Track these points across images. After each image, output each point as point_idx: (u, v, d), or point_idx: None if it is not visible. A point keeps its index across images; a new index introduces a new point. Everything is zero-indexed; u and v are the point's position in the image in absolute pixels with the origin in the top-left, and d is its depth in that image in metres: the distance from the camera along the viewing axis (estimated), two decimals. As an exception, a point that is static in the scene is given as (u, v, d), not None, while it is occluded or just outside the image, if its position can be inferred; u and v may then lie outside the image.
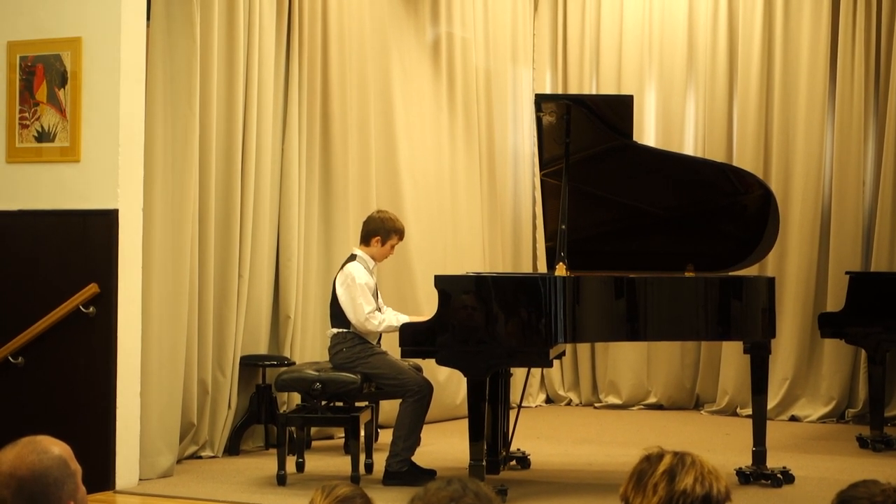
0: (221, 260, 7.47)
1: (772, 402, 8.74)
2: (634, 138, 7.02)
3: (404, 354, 6.44)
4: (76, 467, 2.50)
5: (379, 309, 6.83)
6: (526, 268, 10.21)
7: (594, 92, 10.14)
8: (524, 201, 10.35)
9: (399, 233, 6.95)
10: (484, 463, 6.21)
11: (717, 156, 9.41)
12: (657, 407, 9.86)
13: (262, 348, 7.86)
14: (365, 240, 6.93)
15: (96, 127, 6.52)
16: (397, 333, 6.45)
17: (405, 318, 6.73)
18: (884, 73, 9.18)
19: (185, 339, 7.06)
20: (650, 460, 2.48)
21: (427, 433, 7.03)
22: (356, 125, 8.49)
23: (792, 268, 9.32)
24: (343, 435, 7.62)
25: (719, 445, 8.02)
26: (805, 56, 9.35)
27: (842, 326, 8.02)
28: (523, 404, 8.21)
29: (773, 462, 6.80)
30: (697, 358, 9.83)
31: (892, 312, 7.82)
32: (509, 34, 10.16)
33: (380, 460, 6.83)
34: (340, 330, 6.81)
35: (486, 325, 6.17)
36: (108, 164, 6.48)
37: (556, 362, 8.81)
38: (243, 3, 7.51)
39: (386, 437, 7.21)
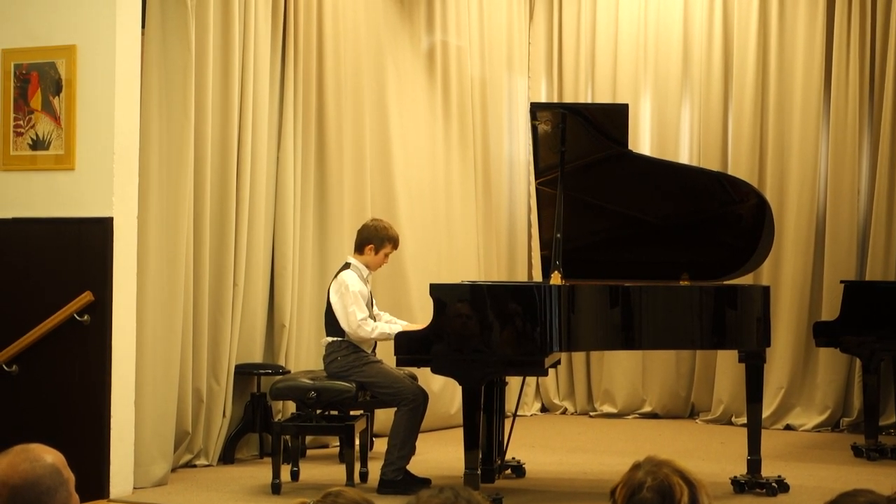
0: (216, 268, 7.46)
1: (767, 411, 8.73)
2: (630, 147, 7.02)
3: (399, 363, 6.43)
4: (69, 475, 2.49)
5: (373, 317, 6.83)
6: (521, 276, 10.21)
7: (589, 100, 10.14)
8: (519, 210, 10.34)
9: (393, 241, 6.95)
10: (479, 472, 6.21)
11: (712, 164, 9.41)
12: (652, 416, 9.85)
13: (256, 357, 7.85)
14: (359, 248, 6.93)
15: (91, 135, 6.51)
16: (392, 342, 6.44)
17: (399, 327, 6.73)
18: (878, 82, 9.18)
19: (180, 347, 7.05)
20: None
21: (422, 442, 7.03)
22: (351, 133, 8.49)
23: (787, 277, 9.32)
24: (338, 444, 7.62)
25: (714, 454, 8.02)
26: (800, 65, 9.37)
27: (836, 335, 8.02)
28: (518, 413, 8.22)
29: (768, 471, 6.80)
30: (692, 367, 9.82)
31: (886, 322, 7.82)
32: (504, 43, 10.16)
33: (375, 469, 6.82)
34: (335, 339, 6.80)
35: (482, 334, 6.16)
36: (103, 172, 6.48)
37: (551, 371, 8.81)
38: (238, 11, 7.51)
39: (381, 445, 7.20)
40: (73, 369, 6.48)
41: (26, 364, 6.55)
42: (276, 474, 6.61)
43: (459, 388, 6.36)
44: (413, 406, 6.65)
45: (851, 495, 2.50)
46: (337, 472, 7.03)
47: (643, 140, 9.92)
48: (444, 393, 8.94)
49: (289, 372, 7.66)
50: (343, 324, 6.72)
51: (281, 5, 7.97)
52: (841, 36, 9.22)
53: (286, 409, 7.76)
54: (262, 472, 7.03)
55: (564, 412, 10.17)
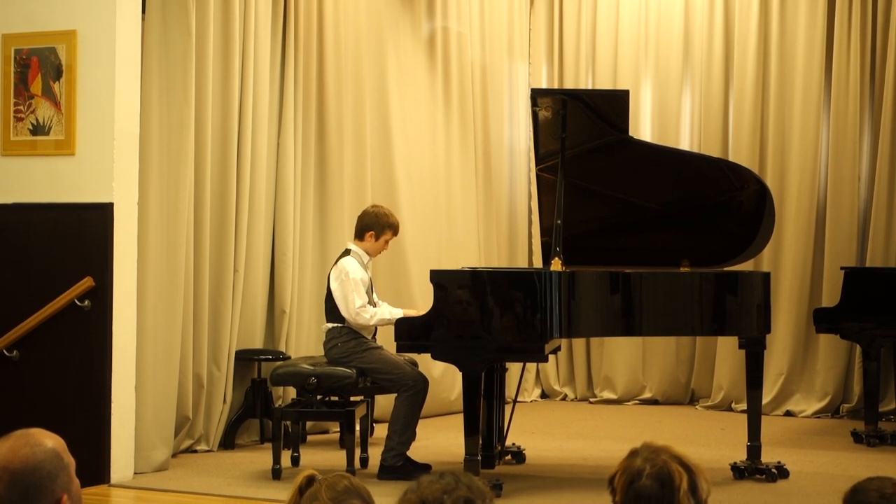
0: (217, 254, 7.46)
1: (767, 397, 8.74)
2: (630, 133, 7.01)
3: (399, 349, 6.44)
4: (69, 460, 2.49)
5: (373, 304, 6.83)
6: (521, 263, 10.21)
7: (590, 87, 10.13)
8: (519, 196, 10.34)
9: (393, 228, 6.95)
10: (479, 458, 6.21)
11: (713, 151, 9.41)
12: (652, 402, 9.86)
13: (257, 343, 7.85)
14: (359, 234, 6.93)
15: (91, 120, 6.51)
16: (392, 328, 6.45)
17: (399, 313, 6.73)
18: (879, 67, 9.17)
19: (181, 332, 7.06)
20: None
21: (422, 428, 7.04)
22: (351, 119, 8.48)
23: (787, 263, 9.32)
24: (338, 429, 7.62)
25: (714, 440, 8.03)
26: (801, 50, 9.35)
27: (837, 322, 8.02)
28: (518, 399, 8.22)
29: (768, 457, 6.80)
30: (692, 353, 9.83)
31: (886, 308, 7.82)
32: (505, 29, 10.15)
33: (375, 455, 6.83)
34: (335, 325, 6.81)
35: (482, 320, 6.16)
36: (104, 158, 6.48)
37: (551, 357, 8.82)
38: (239, -3, 7.51)
39: (381, 431, 7.21)
40: (74, 355, 6.49)
41: (27, 349, 6.55)
42: (277, 460, 6.62)
43: (460, 375, 6.36)
44: (413, 392, 6.66)
45: (868, 479, 2.51)
46: (337, 457, 7.04)
47: (644, 126, 9.91)
48: (444, 379, 8.94)
49: (289, 358, 7.66)
50: (343, 310, 6.72)
51: (281, -9, 7.97)
52: (842, 23, 9.21)
53: (287, 394, 7.77)
54: (262, 458, 7.05)
55: (564, 398, 10.18)
